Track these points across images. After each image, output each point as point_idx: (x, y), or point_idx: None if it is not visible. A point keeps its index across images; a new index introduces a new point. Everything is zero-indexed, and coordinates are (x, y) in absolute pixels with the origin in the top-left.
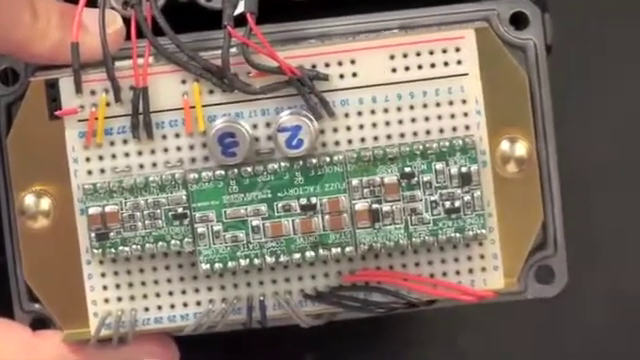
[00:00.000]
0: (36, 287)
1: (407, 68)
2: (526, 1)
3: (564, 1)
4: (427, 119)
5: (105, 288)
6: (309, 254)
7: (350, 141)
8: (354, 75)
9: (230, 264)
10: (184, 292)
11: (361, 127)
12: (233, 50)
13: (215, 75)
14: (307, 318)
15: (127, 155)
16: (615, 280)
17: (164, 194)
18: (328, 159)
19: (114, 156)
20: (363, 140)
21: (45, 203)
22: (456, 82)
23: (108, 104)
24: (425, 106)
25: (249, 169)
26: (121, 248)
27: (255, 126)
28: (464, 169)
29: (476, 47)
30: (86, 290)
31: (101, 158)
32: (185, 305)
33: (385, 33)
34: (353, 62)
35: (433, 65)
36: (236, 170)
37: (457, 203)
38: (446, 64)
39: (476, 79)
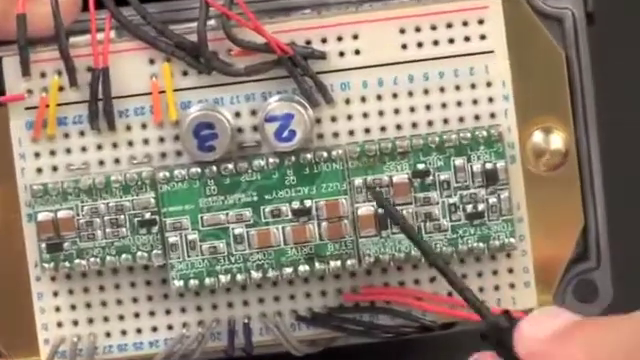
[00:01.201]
0: None
1: (420, 44)
2: None
3: None
4: (444, 106)
5: (58, 310)
6: (303, 268)
7: (352, 132)
8: (357, 53)
9: (208, 280)
10: (153, 314)
11: (365, 116)
12: (211, 23)
13: (189, 53)
14: (300, 345)
15: (84, 150)
16: None
17: (129, 196)
18: (325, 154)
19: (69, 151)
20: (367, 131)
21: None
22: (479, 61)
23: (61, 88)
24: (442, 90)
25: (230, 166)
26: (77, 261)
27: (238, 114)
28: (489, 165)
29: (503, 18)
30: (35, 312)
31: (53, 153)
32: (154, 329)
33: (394, 2)
34: (356, 37)
35: (451, 40)
36: (215, 168)
37: (480, 206)
38: (467, 39)
39: (503, 57)
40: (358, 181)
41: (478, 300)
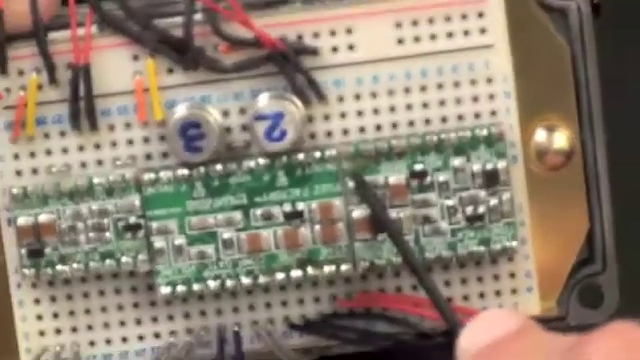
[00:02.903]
0: None
1: (417, 39)
2: None
3: None
4: (443, 103)
5: (40, 318)
6: (295, 273)
7: (346, 132)
8: (351, 48)
9: (196, 286)
10: (139, 322)
11: (360, 114)
12: (197, 17)
13: (175, 49)
14: (293, 353)
15: (65, 151)
16: None
17: (112, 200)
18: (318, 154)
19: (49, 152)
20: (362, 130)
21: None
22: (479, 56)
23: (40, 87)
24: (440, 87)
25: (219, 168)
26: (59, 268)
27: (226, 113)
28: (489, 166)
29: (504, 11)
30: (16, 320)
31: (33, 155)
32: (141, 338)
33: None
34: (349, 31)
35: (450, 35)
36: (202, 169)
37: (481, 209)
38: (466, 33)
39: (504, 52)
40: (353, 182)
41: (445, 302)
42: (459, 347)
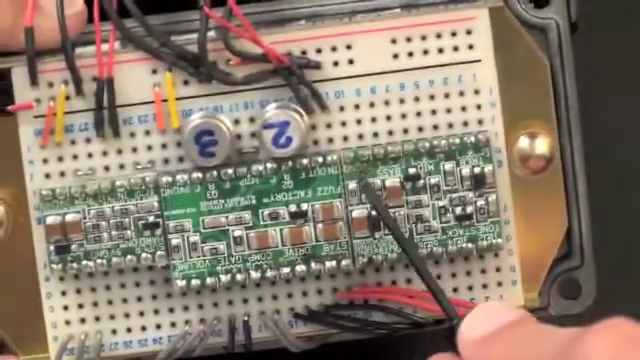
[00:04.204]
0: None
1: (411, 54)
2: None
3: None
4: (434, 112)
5: (66, 308)
6: (300, 268)
7: (346, 138)
8: (350, 62)
9: (209, 280)
10: (157, 312)
11: (359, 122)
12: (211, 34)
13: (190, 63)
14: (298, 341)
15: (90, 156)
16: None
17: (133, 200)
18: (321, 159)
19: (75, 157)
20: (361, 137)
21: None
22: (467, 70)
23: (68, 97)
24: (432, 97)
25: (230, 171)
26: (84, 263)
27: (237, 122)
28: (477, 170)
29: (490, 29)
30: (45, 311)
31: (60, 159)
32: (158, 327)
33: (386, 13)
34: (349, 47)
35: (441, 50)
36: (215, 172)
37: (469, 209)
38: (456, 49)
39: (490, 66)
40: (352, 185)
41: (444, 295)
42: (460, 334)
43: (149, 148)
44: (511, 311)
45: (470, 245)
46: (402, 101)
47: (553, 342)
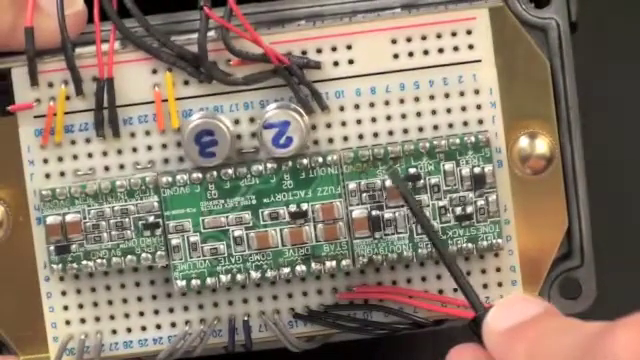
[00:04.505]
0: None
1: (411, 54)
2: None
3: None
4: (434, 112)
5: (66, 308)
6: (300, 268)
7: (346, 138)
8: (350, 62)
9: (209, 280)
10: (157, 312)
11: (359, 122)
12: (211, 34)
13: (190, 63)
14: (297, 341)
15: (90, 156)
16: None
17: (133, 200)
18: (321, 159)
19: (75, 157)
20: (361, 137)
21: None
22: (467, 70)
23: (68, 97)
24: (432, 98)
25: (230, 171)
26: (84, 263)
27: (237, 122)
28: (477, 170)
29: (490, 29)
30: (45, 311)
31: (60, 159)
32: (158, 327)
33: (386, 13)
34: (349, 47)
35: (441, 50)
36: (215, 173)
37: (469, 209)
38: (456, 49)
39: (490, 66)
40: (352, 185)
41: (471, 287)
42: (486, 325)
43: (149, 148)
44: (537, 304)
45: (470, 245)
46: (402, 101)
47: (578, 336)
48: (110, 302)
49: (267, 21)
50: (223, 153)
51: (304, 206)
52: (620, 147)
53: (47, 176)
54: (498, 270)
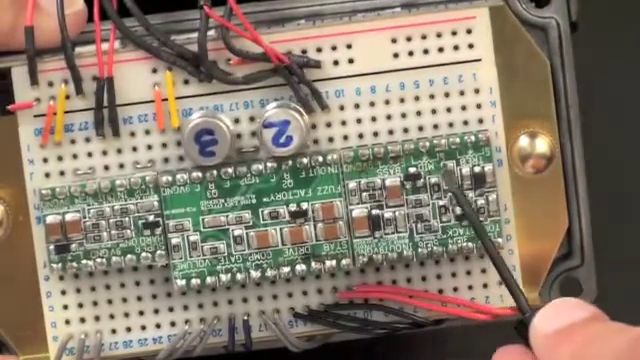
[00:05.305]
0: None
1: (411, 53)
2: None
3: None
4: (434, 112)
5: (66, 308)
6: (300, 267)
7: (346, 137)
8: (350, 61)
9: (209, 279)
10: (157, 311)
11: (359, 121)
12: (211, 33)
13: (190, 62)
14: (297, 340)
15: (90, 155)
16: None
17: (133, 200)
18: (321, 159)
19: (75, 156)
20: (361, 136)
21: None
22: (468, 69)
23: (68, 97)
24: (432, 97)
25: (230, 170)
26: (84, 262)
27: (237, 121)
28: (477, 169)
29: (490, 28)
30: (44, 310)
31: (60, 159)
32: (158, 326)
33: (386, 12)
34: (349, 46)
35: (441, 49)
36: (215, 172)
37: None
38: (456, 48)
39: (490, 65)
40: (352, 184)
41: (520, 290)
42: (533, 327)
43: (149, 147)
44: (585, 308)
45: (470, 244)
46: (402, 100)
47: (625, 340)
48: (110, 301)
49: (267, 20)
50: (223, 152)
51: (304, 205)
52: (620, 147)
53: (47, 175)
54: None
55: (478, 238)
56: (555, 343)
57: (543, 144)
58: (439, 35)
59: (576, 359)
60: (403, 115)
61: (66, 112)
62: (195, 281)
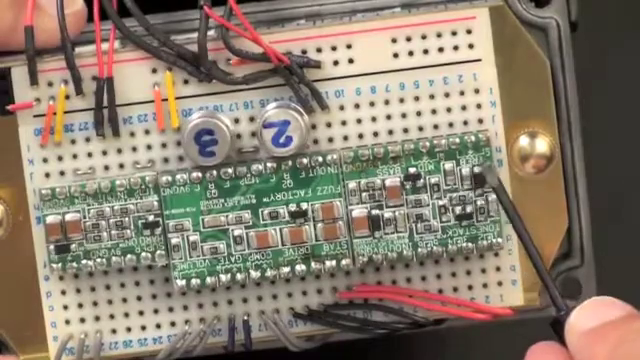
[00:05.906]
0: None
1: (411, 53)
2: None
3: None
4: (434, 112)
5: (66, 308)
6: (300, 267)
7: (346, 138)
8: (350, 62)
9: (209, 279)
10: (156, 311)
11: (359, 121)
12: (211, 33)
13: (190, 63)
14: (297, 340)
15: (90, 155)
16: None
17: (133, 200)
18: (321, 159)
19: (75, 156)
20: (361, 136)
21: None
22: (467, 69)
23: (68, 97)
24: (432, 97)
25: (230, 171)
26: (84, 262)
27: (237, 121)
28: (477, 169)
29: (490, 28)
30: (44, 310)
31: (60, 159)
32: (158, 326)
33: (386, 12)
34: (349, 46)
35: (441, 49)
36: (215, 172)
37: (469, 208)
38: (456, 48)
39: (490, 65)
40: (352, 184)
41: (555, 287)
42: (568, 325)
43: (149, 147)
44: (621, 307)
45: (470, 244)
46: (402, 100)
47: None
48: (110, 301)
49: (267, 20)
50: (223, 152)
51: (304, 205)
52: (620, 147)
53: (47, 175)
54: (498, 269)
55: (519, 239)
56: (591, 341)
57: (543, 144)
58: (439, 35)
59: (613, 357)
60: (403, 115)
61: (66, 112)
62: (195, 281)
